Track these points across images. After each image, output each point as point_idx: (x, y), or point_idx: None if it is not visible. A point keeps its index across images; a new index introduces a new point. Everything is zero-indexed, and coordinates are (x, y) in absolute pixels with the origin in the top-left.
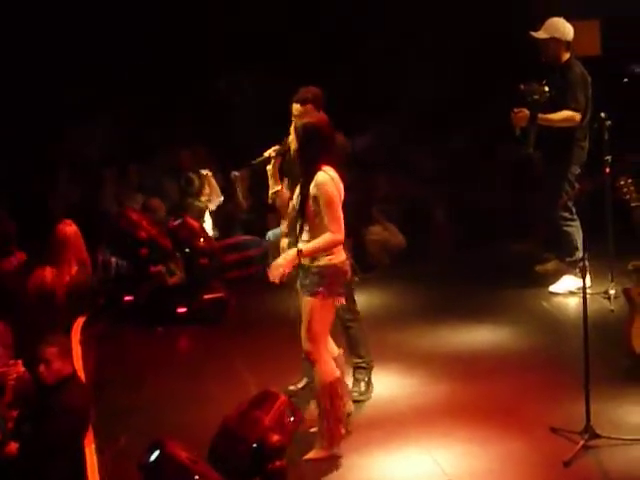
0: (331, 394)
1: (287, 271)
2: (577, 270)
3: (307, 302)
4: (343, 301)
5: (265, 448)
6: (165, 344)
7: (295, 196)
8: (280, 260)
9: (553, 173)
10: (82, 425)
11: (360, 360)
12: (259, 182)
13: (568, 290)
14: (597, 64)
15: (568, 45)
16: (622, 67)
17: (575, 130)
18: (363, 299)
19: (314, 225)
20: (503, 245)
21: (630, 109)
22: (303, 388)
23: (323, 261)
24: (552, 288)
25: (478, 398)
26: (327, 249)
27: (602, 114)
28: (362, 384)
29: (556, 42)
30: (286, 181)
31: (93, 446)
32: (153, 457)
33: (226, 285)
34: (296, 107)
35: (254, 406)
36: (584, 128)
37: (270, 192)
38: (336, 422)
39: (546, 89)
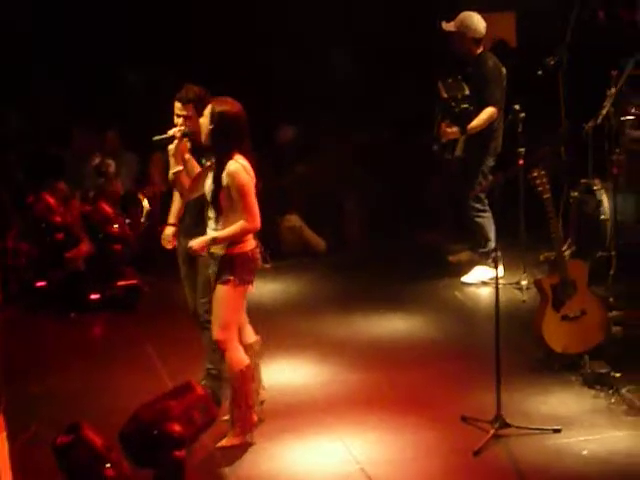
0: (242, 382)
1: (198, 254)
2: (489, 260)
3: (217, 290)
4: (253, 289)
5: (164, 437)
6: (78, 331)
7: (207, 184)
8: (193, 242)
9: (468, 164)
10: None
11: (212, 367)
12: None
13: (480, 280)
14: (512, 56)
15: (478, 40)
16: (536, 59)
17: (491, 124)
18: (277, 287)
19: (227, 214)
20: (415, 235)
21: (543, 101)
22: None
23: (233, 249)
24: (464, 278)
25: (391, 387)
26: (241, 237)
27: (516, 106)
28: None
29: (463, 36)
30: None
31: (4, 434)
32: (68, 439)
33: (139, 272)
34: (177, 105)
35: (170, 395)
36: (499, 119)
37: (170, 172)
38: (248, 410)
39: (466, 90)
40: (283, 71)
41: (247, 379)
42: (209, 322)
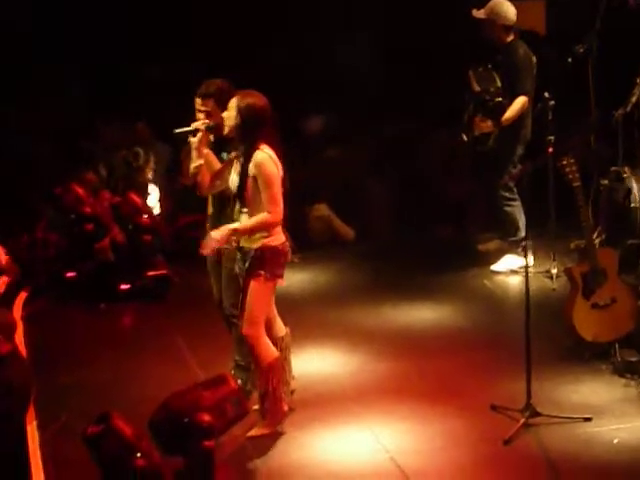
0: (271, 375)
1: (220, 246)
2: (519, 249)
3: (247, 284)
4: (283, 283)
5: (194, 425)
6: (107, 321)
7: (233, 175)
8: (214, 234)
9: (498, 153)
10: (23, 402)
11: (240, 359)
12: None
13: (510, 269)
14: (542, 44)
15: (509, 28)
16: (567, 47)
17: (521, 114)
18: (306, 276)
19: (253, 205)
20: (445, 225)
21: (574, 89)
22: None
23: (263, 243)
24: (494, 267)
25: (420, 376)
26: (262, 229)
27: (546, 94)
28: (238, 382)
29: (493, 23)
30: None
31: (35, 423)
32: (98, 429)
33: (170, 262)
34: (197, 101)
35: (202, 386)
36: (529, 108)
37: (192, 166)
38: (278, 400)
39: (498, 81)
40: (312, 61)
41: (277, 371)
42: (234, 316)
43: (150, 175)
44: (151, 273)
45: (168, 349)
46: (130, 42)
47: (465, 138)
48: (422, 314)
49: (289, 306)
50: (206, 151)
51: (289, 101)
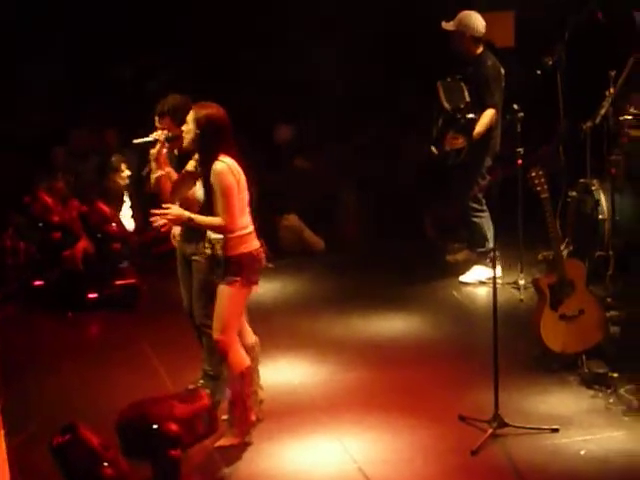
0: (242, 383)
1: (170, 224)
2: (487, 260)
3: (222, 291)
4: (258, 289)
5: (161, 433)
6: (75, 330)
7: (199, 186)
8: (172, 209)
9: (467, 164)
10: None
11: (209, 368)
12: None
13: (478, 280)
14: (511, 56)
15: (478, 40)
16: (535, 59)
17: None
18: (276, 286)
19: (217, 212)
20: (414, 235)
21: (542, 101)
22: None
23: (239, 250)
24: (462, 278)
25: (389, 386)
26: (211, 230)
27: (515, 106)
28: (206, 392)
29: (462, 35)
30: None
31: (2, 432)
32: (64, 440)
33: (140, 271)
34: (155, 119)
35: (176, 397)
36: (497, 120)
37: (153, 176)
38: (247, 410)
39: (467, 96)
40: (281, 70)
41: (247, 380)
42: (205, 325)
43: (124, 183)
44: (119, 282)
45: (136, 358)
46: (104, 45)
47: (435, 151)
48: (391, 324)
49: (259, 316)
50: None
51: (259, 109)
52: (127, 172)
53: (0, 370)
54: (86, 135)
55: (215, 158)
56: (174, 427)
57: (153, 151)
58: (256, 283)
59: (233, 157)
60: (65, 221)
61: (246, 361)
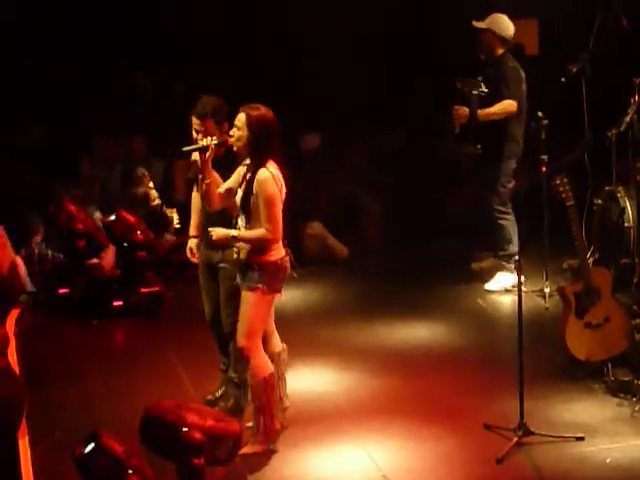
0: (265, 390)
1: (215, 242)
2: (511, 264)
3: (245, 297)
4: (281, 296)
5: (186, 437)
6: (100, 337)
7: (239, 190)
8: (214, 230)
9: (489, 168)
10: (16, 417)
11: (235, 376)
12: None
13: (503, 287)
14: (535, 63)
15: (504, 41)
16: (560, 67)
17: (510, 124)
18: (299, 294)
19: (255, 221)
20: (440, 242)
21: (567, 109)
22: (220, 397)
23: (263, 257)
24: (487, 286)
25: (413, 394)
26: (258, 243)
27: (539, 113)
28: (231, 400)
29: (492, 35)
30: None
31: (27, 439)
32: (88, 449)
33: (163, 279)
34: (195, 121)
35: (212, 414)
36: (520, 122)
37: (203, 183)
38: (271, 417)
39: (483, 86)
40: (307, 78)
41: (270, 387)
42: (234, 334)
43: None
44: (144, 290)
45: (161, 366)
46: (126, 56)
47: (453, 134)
48: (415, 332)
49: (282, 324)
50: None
51: (284, 117)
52: (150, 184)
53: (25, 377)
54: (111, 144)
55: (265, 163)
56: (199, 436)
57: (195, 157)
58: (279, 291)
59: (279, 162)
60: (89, 229)
61: (269, 368)
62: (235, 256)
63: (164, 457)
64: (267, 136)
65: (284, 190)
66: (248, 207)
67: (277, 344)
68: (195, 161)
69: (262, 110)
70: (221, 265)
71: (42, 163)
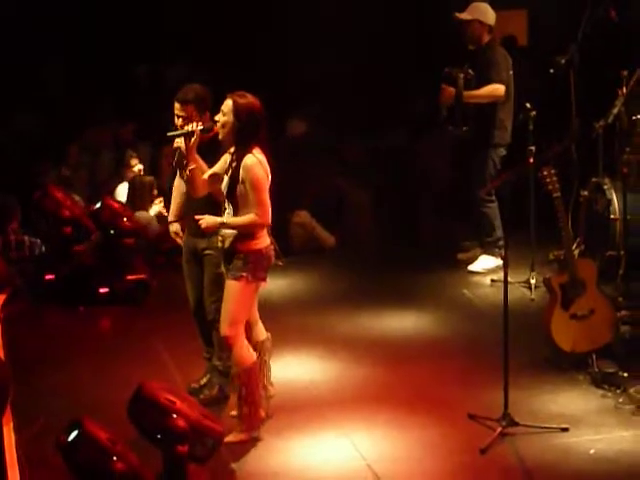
0: (249, 378)
1: (204, 230)
2: (496, 250)
3: (229, 285)
4: (266, 285)
5: (172, 423)
6: (86, 324)
7: (225, 177)
8: (204, 219)
9: (477, 155)
10: (0, 404)
11: (219, 363)
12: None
13: (486, 269)
14: (524, 54)
15: (490, 29)
16: (548, 58)
17: (498, 110)
18: (286, 282)
19: (242, 208)
20: (426, 232)
21: (555, 100)
22: (204, 385)
23: (248, 246)
24: (470, 267)
25: (398, 384)
26: (249, 229)
27: (527, 104)
28: (215, 388)
29: (479, 24)
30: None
31: (11, 425)
32: (72, 436)
33: (153, 267)
34: (176, 106)
35: (201, 410)
36: (507, 109)
37: (188, 169)
38: (255, 406)
39: (470, 70)
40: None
41: (254, 375)
42: (218, 321)
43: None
44: (130, 277)
45: (146, 353)
46: (117, 41)
47: (443, 117)
48: (401, 322)
49: (268, 312)
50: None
51: (272, 104)
52: (139, 166)
53: (10, 364)
54: (100, 131)
55: (250, 150)
56: (184, 425)
57: (180, 143)
58: (263, 280)
59: (265, 150)
60: (75, 215)
61: (252, 356)
62: (220, 245)
63: (149, 439)
64: (253, 124)
65: (270, 177)
66: (234, 195)
67: (261, 332)
68: (178, 147)
69: (249, 98)
70: (206, 252)
71: (28, 149)
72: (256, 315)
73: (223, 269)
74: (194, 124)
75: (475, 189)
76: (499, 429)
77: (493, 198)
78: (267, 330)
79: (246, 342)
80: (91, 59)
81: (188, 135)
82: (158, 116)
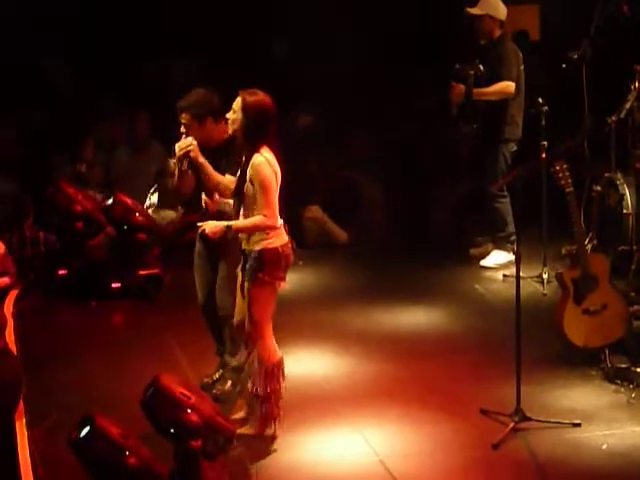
0: (273, 375)
1: (210, 236)
2: (508, 245)
3: (248, 288)
4: (285, 285)
5: (187, 418)
6: (98, 319)
7: (235, 177)
8: (207, 225)
9: (488, 151)
10: (13, 399)
11: (232, 359)
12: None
13: (498, 264)
14: (536, 49)
15: (501, 24)
16: (560, 53)
17: (509, 106)
18: (298, 278)
19: (250, 207)
20: (439, 227)
21: (567, 95)
22: (217, 381)
23: (262, 245)
24: (483, 262)
25: (411, 379)
26: (255, 230)
27: (539, 99)
28: (228, 383)
29: (490, 19)
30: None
31: (24, 420)
32: (83, 433)
33: (162, 261)
34: (180, 115)
35: (212, 405)
36: (518, 104)
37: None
38: (274, 403)
39: (480, 67)
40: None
41: (279, 373)
42: (230, 316)
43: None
44: (143, 272)
45: (158, 348)
46: (127, 38)
47: (453, 114)
48: (413, 318)
49: (281, 307)
50: (202, 160)
51: (282, 99)
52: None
53: (22, 359)
54: (112, 125)
55: (259, 148)
56: (197, 420)
57: (182, 145)
58: (282, 279)
59: (274, 148)
60: (87, 210)
61: (278, 353)
62: (243, 243)
63: (162, 433)
64: (261, 122)
65: (279, 175)
66: (242, 193)
67: None
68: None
69: (259, 95)
70: (223, 246)
71: (41, 144)
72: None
73: (239, 270)
74: (177, 146)
75: (487, 185)
76: (511, 424)
77: (505, 193)
78: (279, 325)
79: (272, 340)
80: (91, 58)
81: (183, 159)
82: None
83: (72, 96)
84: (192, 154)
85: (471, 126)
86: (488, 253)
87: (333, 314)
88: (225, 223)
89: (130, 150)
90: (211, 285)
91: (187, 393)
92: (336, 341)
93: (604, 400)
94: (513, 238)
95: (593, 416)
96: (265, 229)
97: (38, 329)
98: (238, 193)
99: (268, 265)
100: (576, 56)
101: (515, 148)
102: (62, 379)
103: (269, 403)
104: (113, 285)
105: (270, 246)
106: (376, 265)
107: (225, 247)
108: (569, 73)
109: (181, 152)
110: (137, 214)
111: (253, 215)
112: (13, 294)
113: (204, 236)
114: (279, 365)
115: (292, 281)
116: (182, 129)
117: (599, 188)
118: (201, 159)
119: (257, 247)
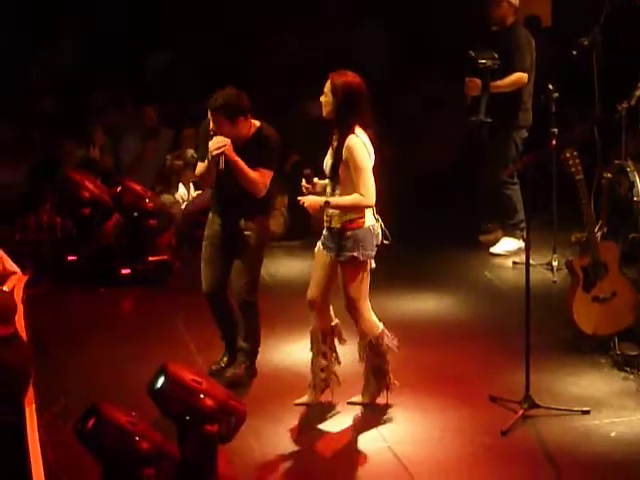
0: (377, 347)
1: (310, 210)
2: (518, 232)
3: (343, 269)
4: (373, 265)
5: (201, 403)
6: (108, 305)
7: (327, 158)
8: (306, 198)
9: (500, 137)
10: (23, 384)
11: (245, 344)
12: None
13: (508, 251)
14: (548, 35)
15: (515, 10)
16: (572, 39)
17: (522, 94)
18: (306, 265)
19: (345, 188)
20: (449, 214)
21: (578, 81)
22: (227, 366)
23: (356, 224)
24: (492, 249)
25: (419, 366)
26: (353, 208)
27: (550, 86)
28: (242, 367)
29: (507, 4)
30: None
31: (33, 406)
32: (90, 423)
33: (171, 248)
34: (210, 114)
35: (222, 389)
36: (529, 90)
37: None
38: (383, 373)
39: (495, 55)
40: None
41: (382, 344)
42: (249, 302)
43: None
44: (152, 258)
45: (168, 334)
46: (138, 27)
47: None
48: (422, 304)
49: (289, 294)
50: (236, 158)
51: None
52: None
53: (32, 344)
54: (121, 114)
55: (352, 130)
56: (212, 404)
57: (217, 144)
58: (372, 258)
59: (368, 129)
60: (95, 196)
61: (379, 326)
62: (326, 224)
63: (175, 421)
64: (351, 102)
65: (373, 156)
66: (337, 175)
67: (332, 317)
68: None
69: (348, 76)
70: (245, 233)
71: (53, 131)
72: (328, 301)
73: (331, 252)
74: (219, 141)
75: (497, 171)
76: (520, 411)
77: (515, 180)
78: (288, 310)
79: (372, 314)
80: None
81: (217, 161)
82: (176, 101)
83: (79, 80)
84: (227, 152)
85: (486, 120)
86: (498, 240)
87: (342, 301)
88: (324, 198)
89: (138, 139)
90: (222, 271)
91: (198, 379)
92: (345, 329)
93: (613, 388)
94: (523, 225)
95: (602, 404)
96: (361, 207)
97: (47, 315)
98: (333, 174)
99: (362, 244)
100: (586, 42)
101: (526, 135)
102: (71, 365)
103: (378, 374)
104: (122, 271)
105: (364, 225)
106: (384, 252)
107: (244, 237)
108: (579, 59)
109: (217, 151)
110: (147, 200)
111: (348, 194)
112: (22, 280)
113: (304, 206)
114: (382, 337)
115: (301, 268)
116: (211, 127)
117: (609, 175)
118: (235, 157)
119: (351, 226)
